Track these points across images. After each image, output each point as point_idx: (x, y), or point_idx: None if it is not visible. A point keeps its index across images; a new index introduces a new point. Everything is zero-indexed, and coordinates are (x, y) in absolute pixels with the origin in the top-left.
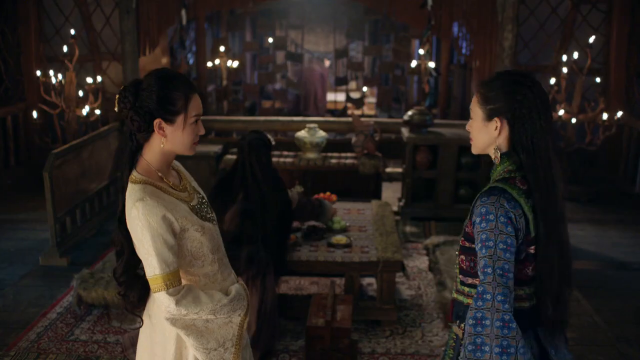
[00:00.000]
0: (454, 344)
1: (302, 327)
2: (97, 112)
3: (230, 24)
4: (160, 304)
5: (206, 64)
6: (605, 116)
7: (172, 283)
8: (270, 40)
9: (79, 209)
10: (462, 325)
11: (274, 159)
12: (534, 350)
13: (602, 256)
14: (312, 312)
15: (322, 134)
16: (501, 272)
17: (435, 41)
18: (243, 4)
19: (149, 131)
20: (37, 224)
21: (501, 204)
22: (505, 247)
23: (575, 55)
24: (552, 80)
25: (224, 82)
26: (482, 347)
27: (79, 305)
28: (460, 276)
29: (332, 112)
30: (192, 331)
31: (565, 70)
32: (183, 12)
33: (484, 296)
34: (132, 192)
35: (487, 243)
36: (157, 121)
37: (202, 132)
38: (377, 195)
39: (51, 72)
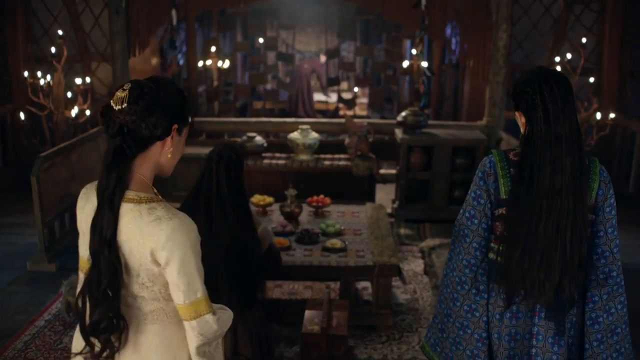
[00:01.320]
0: None
1: (297, 333)
2: (87, 113)
3: (221, 24)
4: (201, 329)
5: (196, 64)
6: (598, 116)
7: (211, 303)
8: (261, 40)
9: (67, 213)
10: None
11: (266, 161)
12: (497, 297)
13: None
14: (307, 318)
15: (314, 135)
16: (468, 215)
17: (426, 41)
18: (234, 4)
19: (163, 138)
20: (26, 228)
21: (484, 163)
22: (474, 195)
23: (569, 55)
24: None
25: (215, 83)
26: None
27: (68, 312)
28: None
29: (324, 113)
30: (208, 356)
31: (559, 69)
32: (173, 12)
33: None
34: (152, 212)
35: (469, 191)
36: (174, 127)
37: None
38: (371, 197)
39: (39, 73)
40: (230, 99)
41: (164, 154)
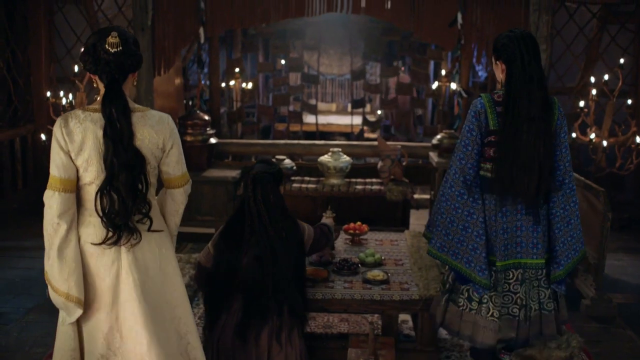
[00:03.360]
0: None
1: None
2: None
3: (244, 45)
4: (188, 189)
5: (219, 85)
6: (638, 139)
7: None
8: (283, 62)
9: None
10: None
11: (296, 185)
12: (490, 204)
13: None
14: (352, 358)
15: (346, 158)
16: (464, 144)
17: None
18: (257, 22)
19: (135, 71)
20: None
21: (474, 104)
22: (468, 129)
23: (606, 76)
24: (582, 103)
25: (237, 104)
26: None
27: None
28: None
29: (348, 136)
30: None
31: (594, 92)
32: (201, 30)
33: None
34: (154, 115)
35: (463, 126)
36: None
37: None
38: (405, 223)
39: (61, 93)
40: (253, 121)
41: (132, 82)
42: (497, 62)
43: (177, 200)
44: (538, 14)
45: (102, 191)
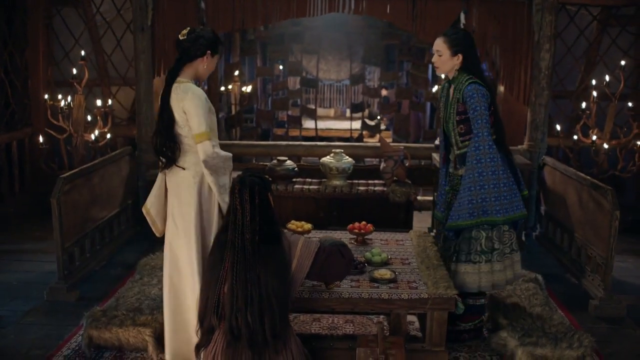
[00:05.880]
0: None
1: None
2: (109, 136)
3: (242, 49)
4: (202, 148)
5: (218, 89)
6: None
7: (213, 138)
8: (281, 67)
9: (88, 239)
10: (464, 167)
11: (298, 186)
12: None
13: None
14: (360, 357)
15: (348, 159)
16: (485, 120)
17: None
18: (257, 23)
19: (201, 56)
20: (43, 255)
21: (479, 90)
22: (485, 108)
23: (607, 78)
24: (583, 105)
25: (237, 108)
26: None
27: (89, 347)
28: (461, 138)
29: (347, 141)
30: (212, 169)
31: (595, 94)
32: None
33: (480, 133)
34: (184, 86)
35: (477, 108)
36: (208, 51)
37: None
38: (409, 224)
39: (59, 96)
40: (252, 126)
41: (202, 65)
42: (457, 54)
43: (200, 153)
44: (541, 14)
45: (155, 134)
